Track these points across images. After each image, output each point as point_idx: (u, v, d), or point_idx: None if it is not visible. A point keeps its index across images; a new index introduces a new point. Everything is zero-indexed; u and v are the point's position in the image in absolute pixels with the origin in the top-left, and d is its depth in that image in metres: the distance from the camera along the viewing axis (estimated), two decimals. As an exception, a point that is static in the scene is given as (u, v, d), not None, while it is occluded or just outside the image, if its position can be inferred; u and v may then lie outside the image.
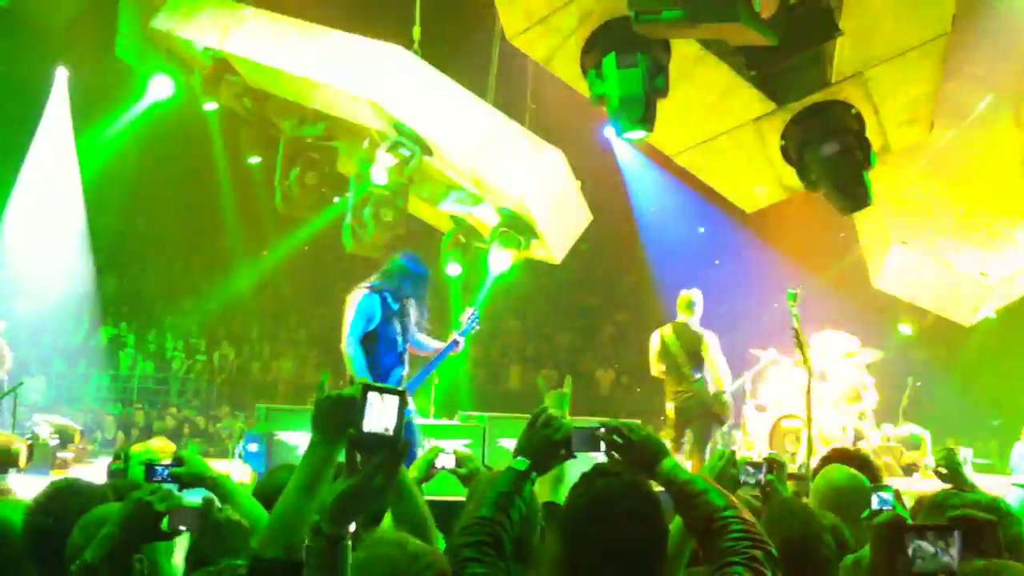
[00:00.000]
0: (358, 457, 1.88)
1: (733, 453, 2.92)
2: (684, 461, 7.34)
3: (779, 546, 2.38)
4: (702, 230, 14.85)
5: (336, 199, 12.01)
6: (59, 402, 11.97)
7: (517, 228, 9.88)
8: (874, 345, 9.15)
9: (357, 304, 6.45)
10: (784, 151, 6.72)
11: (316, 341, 14.42)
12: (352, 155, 10.46)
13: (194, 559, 2.66)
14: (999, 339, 10.99)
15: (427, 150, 9.11)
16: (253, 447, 8.02)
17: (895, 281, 9.50)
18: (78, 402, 12.50)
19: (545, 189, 9.39)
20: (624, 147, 13.86)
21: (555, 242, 10.16)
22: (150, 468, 3.11)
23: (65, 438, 9.67)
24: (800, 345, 6.51)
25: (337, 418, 1.94)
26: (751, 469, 3.11)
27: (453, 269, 10.12)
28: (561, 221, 10.05)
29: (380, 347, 6.49)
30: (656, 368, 8.11)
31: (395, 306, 6.54)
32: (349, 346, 6.33)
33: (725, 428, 8.64)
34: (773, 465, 3.10)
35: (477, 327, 6.93)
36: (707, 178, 8.25)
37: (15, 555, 2.71)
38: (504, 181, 8.96)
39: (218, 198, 13.20)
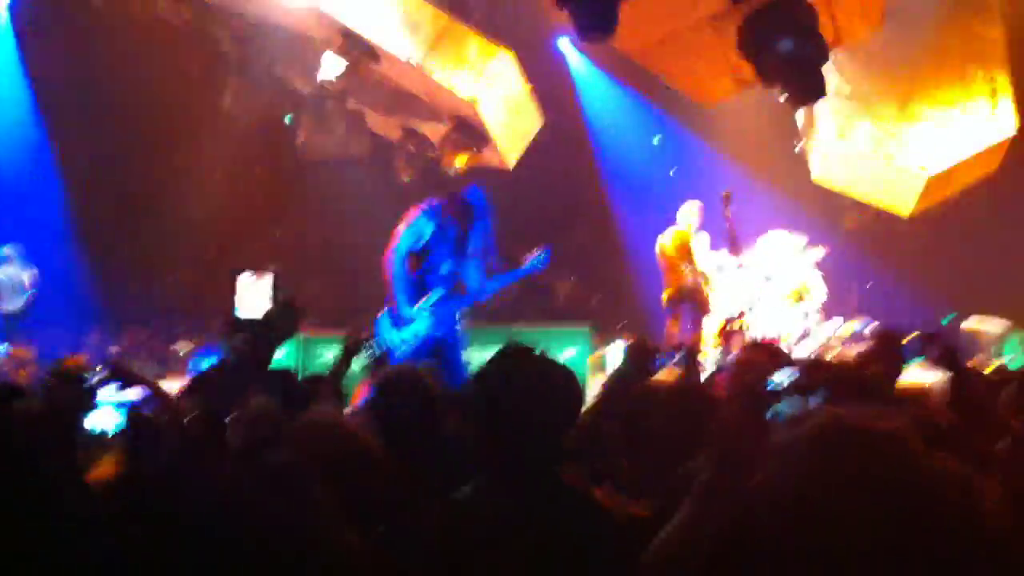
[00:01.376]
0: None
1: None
2: None
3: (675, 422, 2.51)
4: (657, 141, 14.86)
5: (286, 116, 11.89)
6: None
7: (468, 133, 9.86)
8: (821, 243, 9.30)
9: (410, 220, 6.46)
10: (741, 47, 6.82)
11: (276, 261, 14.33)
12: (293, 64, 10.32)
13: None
14: (942, 231, 11.26)
15: (374, 56, 9.01)
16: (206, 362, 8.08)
17: (834, 175, 9.63)
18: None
19: (495, 91, 9.35)
20: (577, 59, 13.77)
21: (507, 146, 10.17)
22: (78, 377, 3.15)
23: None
24: (731, 241, 6.68)
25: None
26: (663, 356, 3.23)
27: (406, 179, 10.13)
28: (512, 125, 10.04)
29: (427, 268, 6.50)
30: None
31: (450, 232, 6.50)
32: (390, 260, 6.36)
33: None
34: (687, 351, 3.24)
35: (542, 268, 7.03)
36: (666, 77, 8.38)
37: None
38: (453, 84, 8.90)
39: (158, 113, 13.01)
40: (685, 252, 9.21)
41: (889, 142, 9.01)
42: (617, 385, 3.12)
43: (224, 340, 1.97)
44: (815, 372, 1.94)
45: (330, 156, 11.08)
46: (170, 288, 14.19)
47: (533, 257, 6.98)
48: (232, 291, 1.81)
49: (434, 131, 10.76)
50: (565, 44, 13.24)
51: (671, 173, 14.01)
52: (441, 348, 6.62)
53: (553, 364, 2.27)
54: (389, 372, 3.22)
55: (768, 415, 1.74)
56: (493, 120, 9.65)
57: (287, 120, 14.50)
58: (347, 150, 11.07)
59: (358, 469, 2.27)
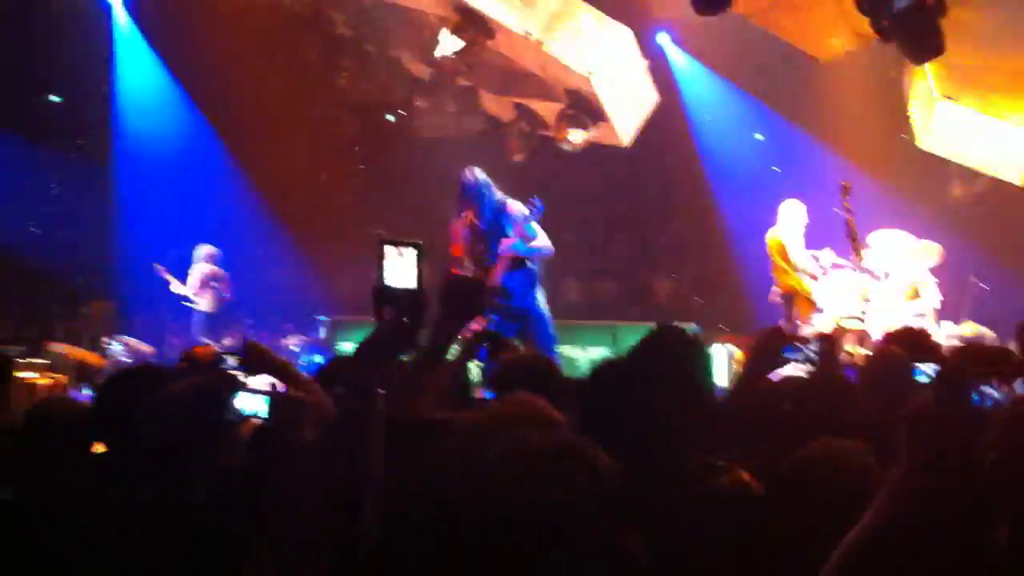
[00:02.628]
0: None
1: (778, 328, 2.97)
2: None
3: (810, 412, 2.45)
4: (760, 137, 14.61)
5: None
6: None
7: (583, 109, 9.81)
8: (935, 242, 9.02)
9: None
10: (858, 3, 6.75)
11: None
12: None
13: (262, 439, 2.79)
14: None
15: (490, 33, 9.03)
16: (318, 358, 8.26)
17: (941, 139, 9.36)
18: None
19: (612, 67, 9.30)
20: (678, 54, 13.62)
21: (622, 124, 10.11)
22: (218, 358, 3.24)
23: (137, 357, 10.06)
24: (852, 236, 6.52)
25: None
26: (798, 345, 3.13)
27: (518, 158, 10.15)
28: (628, 101, 9.96)
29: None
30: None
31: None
32: None
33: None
34: (824, 340, 3.13)
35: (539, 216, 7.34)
36: (782, 32, 8.34)
37: (86, 432, 2.93)
38: (570, 59, 8.90)
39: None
40: (781, 252, 9.10)
41: (1000, 102, 8.75)
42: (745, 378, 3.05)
43: (373, 311, 1.96)
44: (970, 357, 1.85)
45: (443, 135, 11.19)
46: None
47: (531, 207, 7.33)
48: (379, 259, 1.80)
49: (547, 109, 10.78)
50: (664, 39, 13.10)
51: (774, 169, 13.76)
52: (525, 322, 7.06)
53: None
54: (510, 361, 3.22)
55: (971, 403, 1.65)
56: (608, 95, 9.62)
57: (390, 118, 14.75)
58: (460, 129, 11.18)
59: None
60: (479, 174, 7.40)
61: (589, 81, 9.35)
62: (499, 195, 7.42)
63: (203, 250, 11.70)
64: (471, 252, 7.49)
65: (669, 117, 14.02)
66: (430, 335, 2.12)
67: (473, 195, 7.29)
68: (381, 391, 1.84)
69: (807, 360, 3.12)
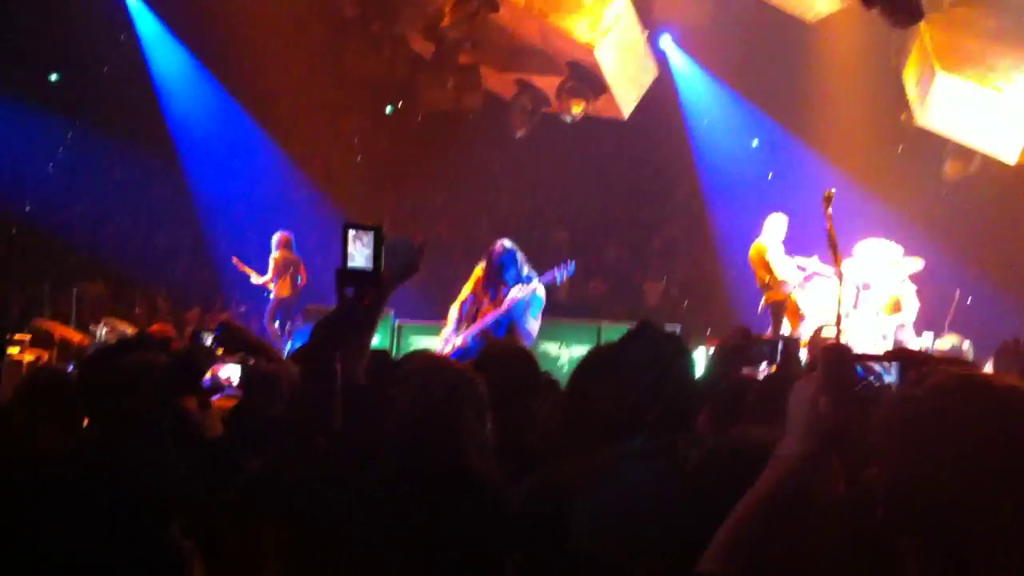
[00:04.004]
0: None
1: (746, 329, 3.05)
2: None
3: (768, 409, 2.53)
4: (756, 143, 14.69)
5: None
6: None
7: (584, 80, 9.89)
8: (919, 254, 9.09)
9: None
10: None
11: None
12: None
13: (239, 412, 2.87)
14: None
15: (493, 5, 9.11)
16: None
17: (939, 115, 9.43)
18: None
19: (612, 36, 9.39)
20: (679, 57, 13.67)
21: (623, 94, 10.19)
22: (196, 334, 3.31)
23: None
24: (832, 246, 6.59)
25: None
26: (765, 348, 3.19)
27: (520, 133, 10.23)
28: (628, 71, 10.04)
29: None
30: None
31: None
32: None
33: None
34: (787, 343, 3.20)
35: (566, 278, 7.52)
36: None
37: (71, 401, 3.01)
38: (571, 28, 8.98)
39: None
40: (764, 264, 9.19)
41: (997, 77, 8.83)
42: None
43: (336, 292, 2.05)
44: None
45: (443, 108, 11.27)
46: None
47: (560, 268, 7.44)
48: (343, 243, 1.91)
49: (549, 84, 10.86)
50: (667, 42, 13.16)
51: (769, 177, 13.83)
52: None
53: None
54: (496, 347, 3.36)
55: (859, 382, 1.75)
56: (609, 65, 9.72)
57: (388, 110, 14.84)
58: (460, 104, 11.26)
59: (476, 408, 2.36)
60: (509, 244, 7.51)
61: (591, 52, 9.45)
62: (522, 267, 7.49)
63: (278, 237, 11.70)
64: (479, 301, 7.58)
65: (668, 121, 14.14)
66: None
67: (496, 265, 7.42)
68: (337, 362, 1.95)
69: (769, 360, 3.18)
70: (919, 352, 1.81)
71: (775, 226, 9.39)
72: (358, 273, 1.99)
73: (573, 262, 7.68)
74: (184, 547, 2.63)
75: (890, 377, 1.76)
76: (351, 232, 1.99)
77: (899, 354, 1.80)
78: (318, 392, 2.01)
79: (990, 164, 10.36)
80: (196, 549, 2.64)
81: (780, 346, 3.09)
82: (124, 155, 14.06)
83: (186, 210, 14.63)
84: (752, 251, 9.43)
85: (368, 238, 1.99)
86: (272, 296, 11.67)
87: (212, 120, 14.39)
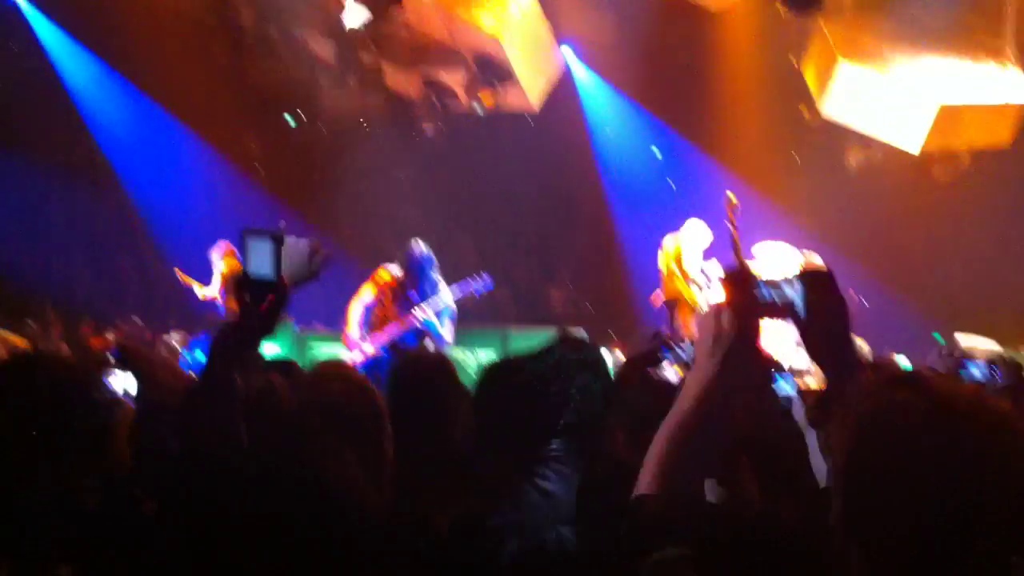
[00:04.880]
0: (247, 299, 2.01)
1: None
2: None
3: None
4: (658, 153, 14.92)
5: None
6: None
7: (491, 71, 9.92)
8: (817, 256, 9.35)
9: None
10: None
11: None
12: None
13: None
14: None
15: (396, 0, 9.07)
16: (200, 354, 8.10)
17: (842, 105, 9.74)
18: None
19: (518, 26, 9.44)
20: (581, 69, 13.82)
21: (531, 83, 10.28)
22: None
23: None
24: (735, 248, 6.77)
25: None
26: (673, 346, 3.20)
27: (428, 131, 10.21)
28: (535, 61, 10.12)
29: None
30: None
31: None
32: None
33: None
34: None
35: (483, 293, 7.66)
36: None
37: None
38: (478, 21, 9.00)
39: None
40: (677, 259, 9.42)
41: (901, 68, 9.16)
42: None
43: (234, 299, 2.03)
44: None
45: (345, 112, 11.18)
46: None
47: (476, 282, 7.69)
48: (243, 251, 1.90)
49: (456, 80, 10.85)
50: (567, 52, 13.28)
51: (671, 184, 14.07)
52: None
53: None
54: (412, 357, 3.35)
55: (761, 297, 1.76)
56: (516, 55, 9.78)
57: (289, 120, 14.58)
58: (363, 104, 11.16)
59: (369, 421, 2.34)
60: (425, 248, 7.64)
61: (498, 44, 9.51)
62: (436, 275, 7.66)
63: (223, 247, 11.08)
64: (388, 307, 7.62)
65: (572, 130, 14.28)
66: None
67: (415, 268, 7.53)
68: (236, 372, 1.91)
69: (680, 361, 3.22)
70: (820, 269, 1.84)
71: (697, 231, 9.54)
72: (258, 281, 1.97)
73: (490, 279, 7.83)
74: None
75: (792, 293, 1.76)
76: (249, 239, 1.98)
77: (804, 275, 1.78)
78: (217, 408, 1.95)
79: (892, 155, 10.71)
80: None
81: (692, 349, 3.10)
82: (18, 169, 13.52)
83: (89, 221, 14.10)
84: (668, 246, 9.56)
85: (267, 245, 1.97)
86: (225, 308, 10.94)
87: (124, 124, 13.88)
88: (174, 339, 10.93)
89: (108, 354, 3.11)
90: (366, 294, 7.74)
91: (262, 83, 12.59)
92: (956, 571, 1.31)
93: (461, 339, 9.03)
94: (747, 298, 1.74)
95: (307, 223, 14.25)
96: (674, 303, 9.38)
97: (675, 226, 9.77)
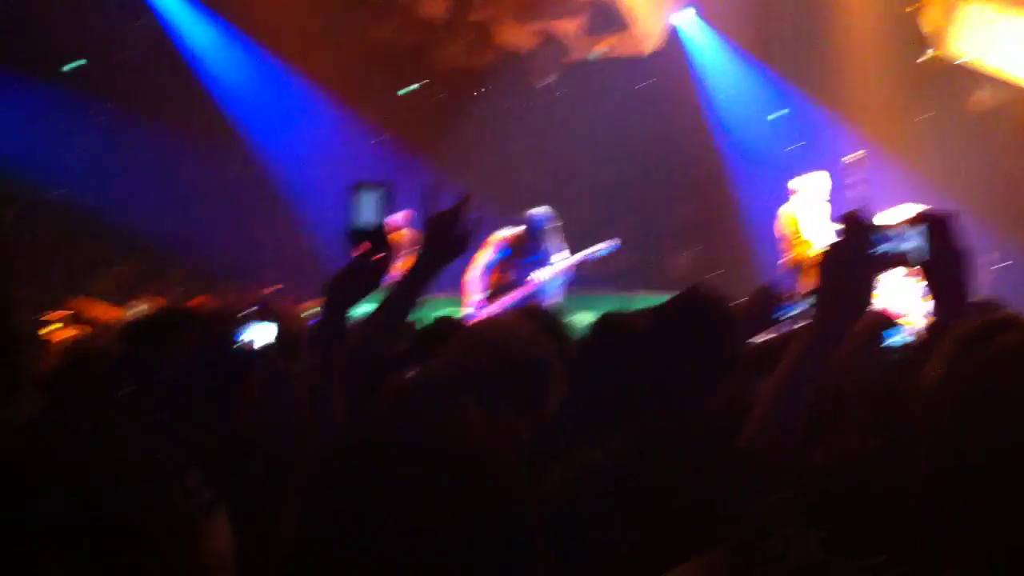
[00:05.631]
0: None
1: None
2: None
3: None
4: (774, 116, 14.56)
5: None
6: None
7: (605, 18, 9.86)
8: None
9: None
10: None
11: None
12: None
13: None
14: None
15: None
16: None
17: (965, 43, 9.39)
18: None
19: None
20: (695, 27, 13.57)
21: (644, 29, 10.16)
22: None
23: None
24: (856, 198, 6.59)
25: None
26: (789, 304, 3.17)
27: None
28: (650, 4, 9.98)
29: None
30: None
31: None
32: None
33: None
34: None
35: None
36: None
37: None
38: None
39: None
40: (794, 222, 9.26)
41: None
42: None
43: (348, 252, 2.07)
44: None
45: (458, 68, 11.25)
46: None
47: (601, 246, 7.61)
48: (350, 203, 1.94)
49: (567, 31, 10.84)
50: (679, 17, 13.07)
51: (794, 147, 13.73)
52: None
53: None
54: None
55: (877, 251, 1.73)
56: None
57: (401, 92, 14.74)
58: (472, 62, 11.23)
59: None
60: (546, 212, 7.57)
61: None
62: (556, 240, 7.55)
63: (403, 216, 11.41)
64: (503, 271, 7.61)
65: (689, 93, 14.07)
66: (407, 274, 2.20)
67: (532, 232, 7.49)
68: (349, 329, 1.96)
69: (793, 319, 3.19)
70: (937, 215, 1.76)
71: (811, 186, 9.39)
72: (367, 231, 2.02)
73: (615, 242, 7.78)
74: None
75: (910, 241, 1.74)
76: (358, 190, 2.03)
77: (923, 218, 1.75)
78: (318, 364, 1.98)
79: (1017, 96, 10.33)
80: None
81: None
82: (154, 136, 14.07)
83: (222, 187, 14.58)
84: (785, 211, 9.48)
85: (376, 196, 2.03)
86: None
87: (251, 86, 14.21)
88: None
89: (248, 309, 3.18)
90: (483, 257, 7.81)
91: (380, 39, 12.72)
92: None
93: (586, 305, 9.09)
94: (860, 246, 1.71)
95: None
96: (798, 267, 9.21)
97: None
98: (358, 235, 2.02)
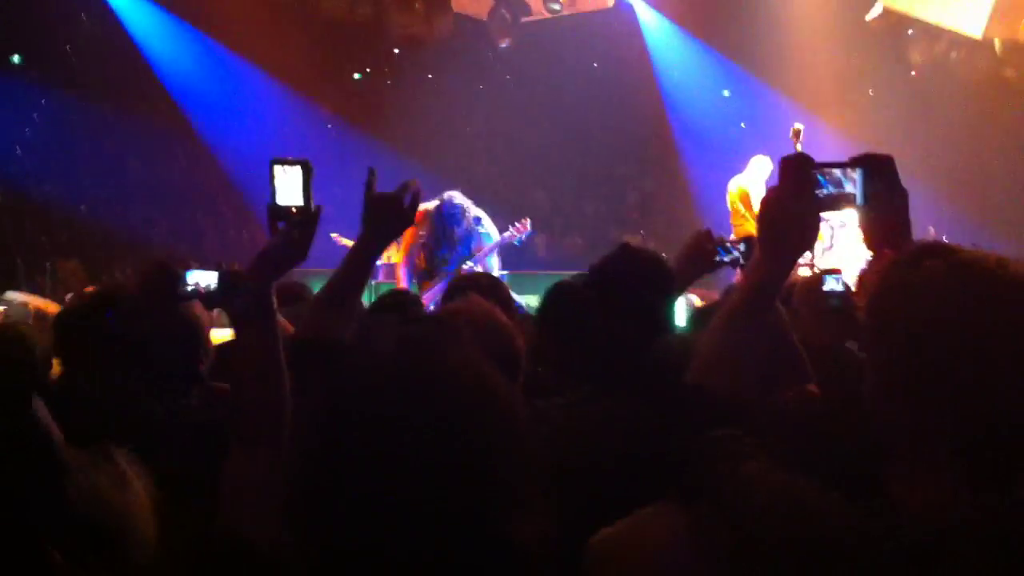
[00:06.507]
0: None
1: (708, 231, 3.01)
2: None
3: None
4: (727, 93, 14.71)
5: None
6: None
7: None
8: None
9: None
10: None
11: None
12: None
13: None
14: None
15: None
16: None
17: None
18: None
19: None
20: (646, 11, 13.66)
21: None
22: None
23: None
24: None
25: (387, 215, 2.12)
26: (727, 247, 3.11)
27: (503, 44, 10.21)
28: None
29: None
30: None
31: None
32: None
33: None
34: (749, 242, 3.07)
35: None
36: None
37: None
38: None
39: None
40: (744, 200, 9.37)
41: None
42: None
43: (268, 228, 2.06)
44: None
45: (414, 36, 11.16)
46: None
47: (516, 229, 7.41)
48: (270, 179, 1.93)
49: None
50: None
51: (742, 125, 13.86)
52: None
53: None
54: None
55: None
56: None
57: (356, 76, 14.68)
58: (430, 30, 11.13)
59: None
60: (459, 200, 7.23)
61: None
62: (473, 227, 7.22)
63: None
64: (421, 263, 7.31)
65: (640, 75, 14.14)
66: (349, 255, 2.21)
67: (441, 223, 7.16)
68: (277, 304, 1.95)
69: (734, 262, 3.08)
70: (882, 156, 1.75)
71: (760, 166, 9.55)
72: (287, 208, 2.01)
73: (529, 226, 7.62)
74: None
75: (852, 188, 1.70)
76: (277, 167, 2.02)
77: (863, 160, 1.71)
78: (253, 341, 1.97)
79: (956, 44, 10.50)
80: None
81: (746, 248, 3.00)
82: (105, 127, 13.83)
83: (167, 171, 14.38)
84: (735, 187, 9.58)
85: (295, 172, 2.01)
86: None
87: (193, 71, 14.06)
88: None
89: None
90: (395, 257, 7.64)
91: (329, 17, 12.61)
92: (981, 428, 1.26)
93: (534, 286, 9.09)
94: (802, 186, 1.68)
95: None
96: (749, 239, 9.36)
97: (743, 166, 9.73)
98: (276, 211, 2.01)
